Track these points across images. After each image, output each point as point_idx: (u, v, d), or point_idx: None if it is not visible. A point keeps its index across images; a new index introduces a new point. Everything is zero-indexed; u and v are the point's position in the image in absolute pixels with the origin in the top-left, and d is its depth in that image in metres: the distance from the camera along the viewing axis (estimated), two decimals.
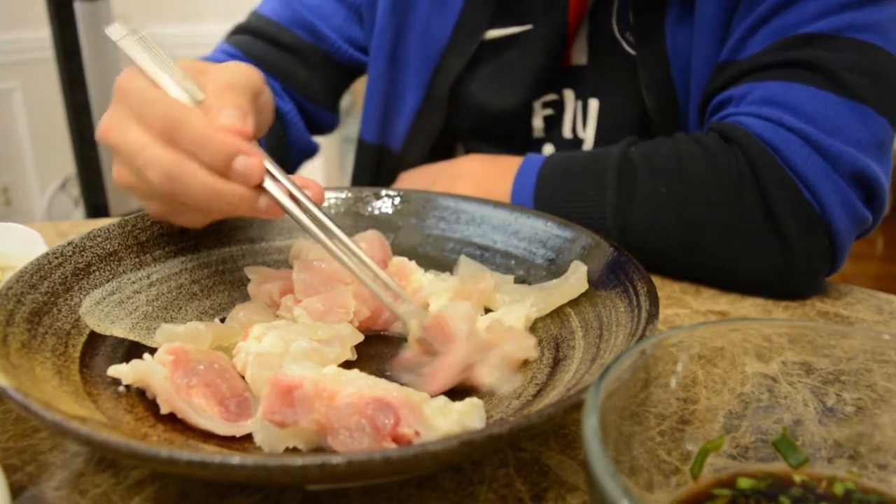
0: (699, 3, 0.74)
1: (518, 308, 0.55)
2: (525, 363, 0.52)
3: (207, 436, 0.44)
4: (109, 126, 0.51)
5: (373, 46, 0.90)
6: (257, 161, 0.48)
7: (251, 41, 0.91)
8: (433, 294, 0.56)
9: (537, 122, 0.88)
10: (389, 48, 0.89)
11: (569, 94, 0.86)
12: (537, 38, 0.83)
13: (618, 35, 0.81)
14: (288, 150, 0.91)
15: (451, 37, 0.86)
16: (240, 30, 0.93)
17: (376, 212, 0.67)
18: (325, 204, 0.67)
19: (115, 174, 0.53)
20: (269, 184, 0.49)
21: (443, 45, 0.86)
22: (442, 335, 0.50)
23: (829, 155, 0.64)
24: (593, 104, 0.85)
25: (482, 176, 0.78)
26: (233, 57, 0.89)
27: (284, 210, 0.50)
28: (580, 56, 0.85)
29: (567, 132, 0.87)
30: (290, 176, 0.51)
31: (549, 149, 0.89)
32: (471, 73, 0.87)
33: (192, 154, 0.48)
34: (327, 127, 0.99)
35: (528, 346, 0.51)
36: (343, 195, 0.68)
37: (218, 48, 0.92)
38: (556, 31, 0.82)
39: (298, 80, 0.91)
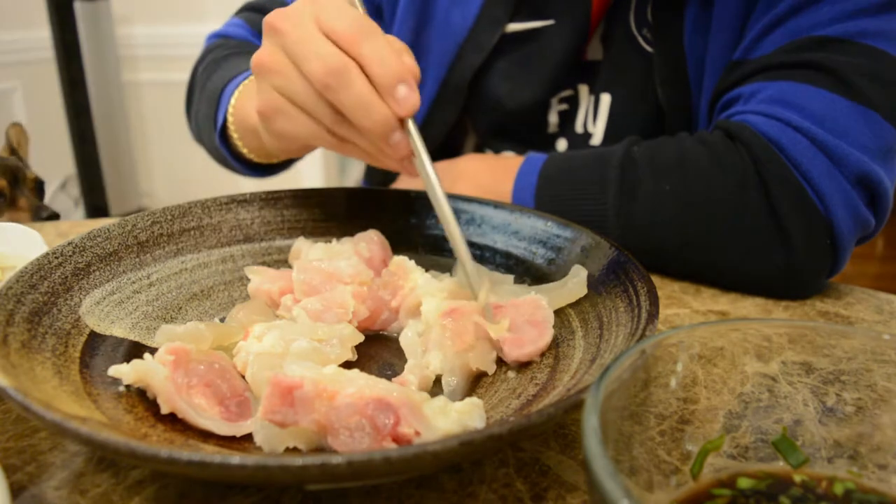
0: (718, 2, 0.74)
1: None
2: (483, 375, 0.52)
3: (207, 436, 0.44)
4: (284, 13, 0.52)
5: None
6: (415, 97, 0.50)
7: (259, 18, 0.91)
8: (427, 294, 0.56)
9: (552, 118, 0.88)
10: (410, 40, 0.89)
11: (583, 89, 0.86)
12: (558, 33, 0.83)
13: (634, 31, 0.81)
14: None
15: (472, 29, 0.86)
16: (251, 7, 0.94)
17: (376, 212, 0.67)
18: (325, 204, 0.67)
19: (262, 56, 0.54)
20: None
21: (462, 37, 0.86)
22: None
23: (834, 156, 0.64)
24: (605, 99, 0.85)
25: (483, 175, 0.78)
26: (243, 30, 0.90)
27: (414, 149, 0.52)
28: (595, 51, 0.85)
29: (579, 127, 0.87)
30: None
31: (562, 144, 0.89)
32: (490, 66, 0.87)
33: (365, 63, 0.50)
34: None
35: (489, 359, 0.51)
36: (343, 195, 0.68)
37: (229, 22, 0.93)
38: (577, 27, 0.82)
39: None
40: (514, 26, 0.85)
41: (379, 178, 0.97)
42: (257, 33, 0.90)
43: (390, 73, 0.49)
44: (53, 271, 0.51)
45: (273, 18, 0.53)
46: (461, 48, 0.86)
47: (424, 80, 0.90)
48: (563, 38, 0.83)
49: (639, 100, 0.83)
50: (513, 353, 0.51)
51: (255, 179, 0.89)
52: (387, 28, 0.92)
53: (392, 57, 0.50)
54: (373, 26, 0.51)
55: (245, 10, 0.95)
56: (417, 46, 0.89)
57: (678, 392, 0.35)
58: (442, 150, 0.91)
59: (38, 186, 1.57)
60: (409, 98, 0.50)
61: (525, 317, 0.52)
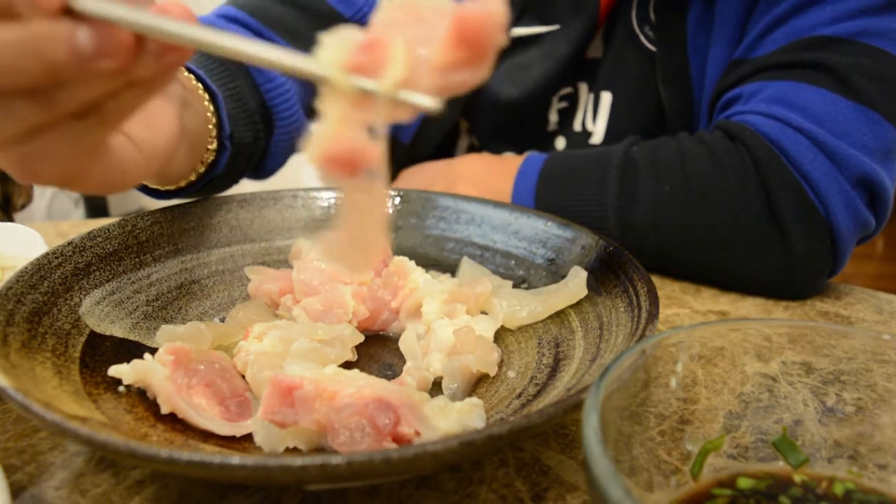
0: (719, 2, 0.74)
1: (490, 319, 0.55)
2: (484, 377, 0.51)
3: (207, 436, 0.44)
4: None
5: None
6: None
7: (258, 1, 0.80)
8: (428, 295, 0.56)
9: (552, 116, 0.88)
10: None
11: (583, 87, 0.86)
12: (564, 37, 0.83)
13: (636, 29, 0.81)
14: (273, 120, 0.77)
15: None
16: None
17: None
18: (325, 204, 0.67)
19: None
20: (84, 1, 0.31)
21: None
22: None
23: (835, 157, 0.64)
24: (605, 97, 0.85)
25: (483, 175, 0.78)
26: (232, 20, 0.78)
27: (124, 24, 0.32)
28: (595, 49, 0.85)
29: (578, 125, 0.87)
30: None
31: (561, 142, 0.89)
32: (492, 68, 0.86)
33: None
34: None
35: (490, 361, 0.50)
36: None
37: (214, 11, 0.80)
38: (583, 31, 0.82)
39: (311, 42, 0.84)
40: (518, 31, 0.85)
41: None
42: (257, 20, 0.78)
43: None
44: (53, 271, 0.51)
45: None
46: None
47: None
48: (569, 41, 0.83)
49: (640, 98, 0.82)
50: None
51: (254, 179, 0.87)
52: None
53: None
54: None
55: None
56: None
57: (678, 392, 0.35)
58: (437, 151, 0.91)
59: None
60: None
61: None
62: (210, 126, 0.62)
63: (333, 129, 0.31)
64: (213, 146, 0.63)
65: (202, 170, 0.63)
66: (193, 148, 0.60)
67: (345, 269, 0.35)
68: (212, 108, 0.62)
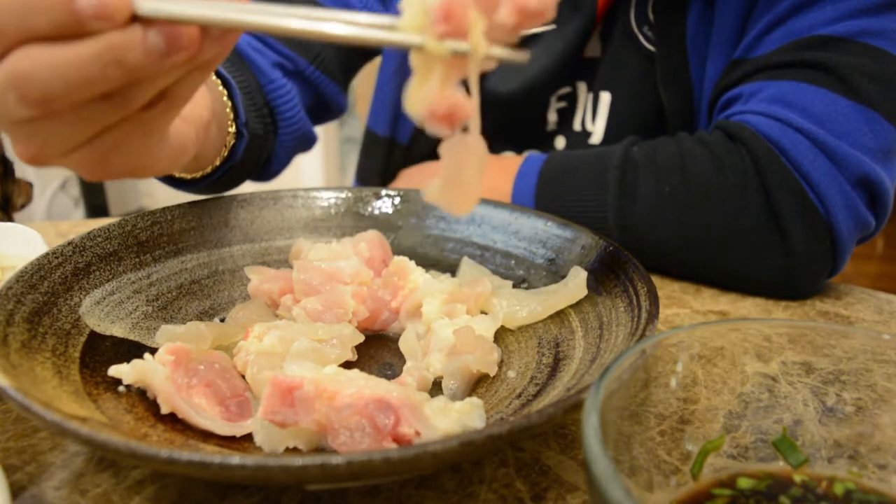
0: (719, 2, 0.74)
1: (490, 318, 0.55)
2: (484, 377, 0.51)
3: (207, 436, 0.44)
4: None
5: None
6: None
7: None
8: (428, 295, 0.56)
9: (551, 116, 0.88)
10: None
11: (581, 87, 0.86)
12: (560, 37, 0.83)
13: (635, 28, 0.81)
14: (276, 122, 0.79)
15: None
16: None
17: (376, 212, 0.68)
18: (325, 204, 0.67)
19: (17, 152, 0.37)
20: (149, 4, 0.33)
21: None
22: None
23: (835, 157, 0.64)
24: (605, 97, 0.85)
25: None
26: None
27: (195, 21, 0.34)
28: (594, 48, 0.85)
29: (577, 125, 0.87)
30: None
31: (561, 142, 0.89)
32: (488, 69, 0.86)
33: (27, 34, 0.32)
34: (336, 108, 0.91)
35: (490, 361, 0.50)
36: (343, 195, 0.68)
37: None
38: (580, 30, 0.82)
39: (313, 47, 0.83)
40: None
41: (375, 178, 0.97)
42: None
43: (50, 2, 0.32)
44: (53, 271, 0.51)
45: None
46: None
47: None
48: (566, 40, 0.83)
49: (639, 98, 0.82)
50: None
51: (258, 181, 0.87)
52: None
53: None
54: None
55: None
56: None
57: (678, 392, 0.35)
58: (436, 151, 0.91)
59: None
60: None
61: None
62: (227, 110, 0.66)
63: (434, 89, 0.35)
64: (233, 129, 0.66)
65: (226, 153, 0.66)
66: (220, 125, 0.63)
67: (446, 209, 0.40)
68: (226, 92, 0.66)
